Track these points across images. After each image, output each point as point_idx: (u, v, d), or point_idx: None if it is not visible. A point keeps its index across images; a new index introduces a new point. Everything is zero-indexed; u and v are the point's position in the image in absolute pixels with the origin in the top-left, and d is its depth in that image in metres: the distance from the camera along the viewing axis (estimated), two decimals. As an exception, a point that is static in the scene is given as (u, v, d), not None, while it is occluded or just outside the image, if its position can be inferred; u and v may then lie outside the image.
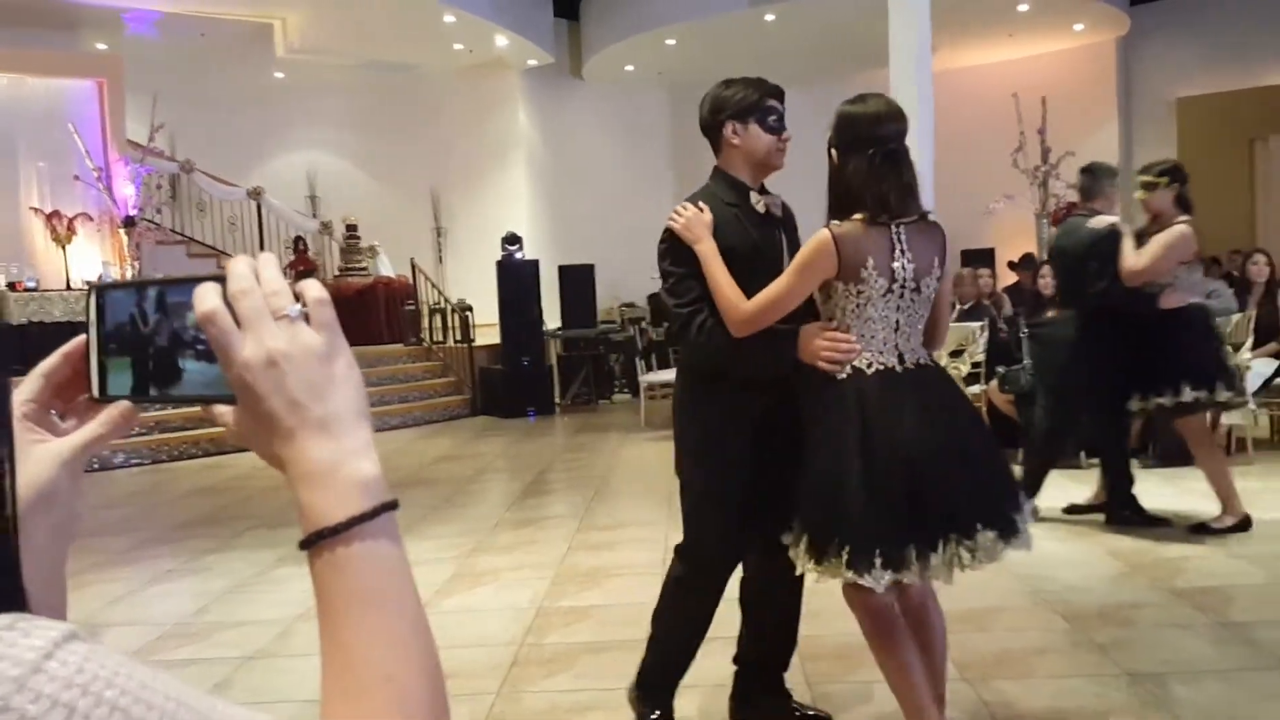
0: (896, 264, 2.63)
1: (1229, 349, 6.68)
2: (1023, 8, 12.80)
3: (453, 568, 5.23)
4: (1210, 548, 4.94)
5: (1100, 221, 5.22)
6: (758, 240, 2.80)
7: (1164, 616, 4.03)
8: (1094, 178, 5.45)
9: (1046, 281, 7.53)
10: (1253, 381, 6.87)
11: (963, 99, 13.86)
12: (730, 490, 2.83)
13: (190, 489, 8.06)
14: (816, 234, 2.66)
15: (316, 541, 0.64)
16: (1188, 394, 4.96)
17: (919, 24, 9.22)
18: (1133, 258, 5.01)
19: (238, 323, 0.65)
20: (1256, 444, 7.08)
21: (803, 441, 2.71)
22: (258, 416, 0.65)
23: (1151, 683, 3.36)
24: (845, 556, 2.53)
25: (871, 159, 2.64)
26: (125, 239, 11.87)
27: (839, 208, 2.70)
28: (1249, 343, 6.92)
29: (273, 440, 0.66)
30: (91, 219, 11.96)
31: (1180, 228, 5.06)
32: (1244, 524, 5.12)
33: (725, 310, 2.68)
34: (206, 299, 0.65)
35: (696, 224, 2.73)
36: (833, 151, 2.72)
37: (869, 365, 2.65)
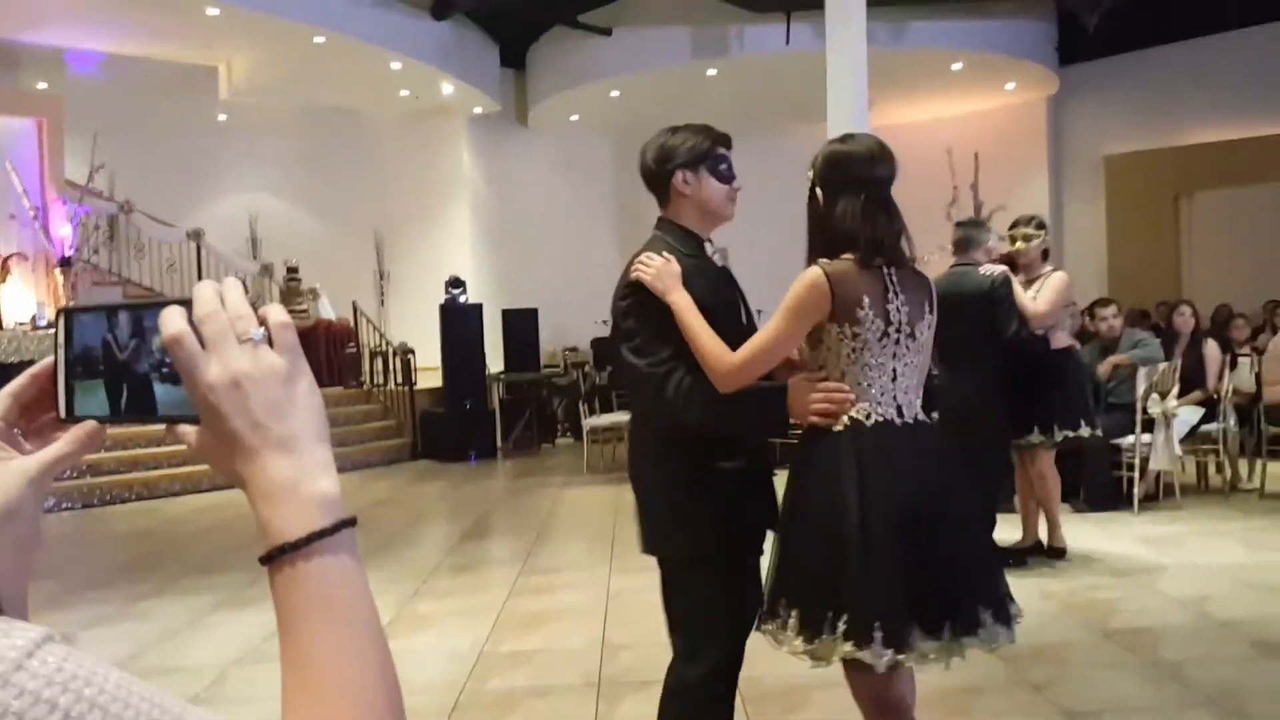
0: (891, 306, 2.43)
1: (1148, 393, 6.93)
2: (956, 66, 13.19)
3: (392, 612, 5.19)
4: (1140, 589, 5.06)
5: (992, 269, 5.46)
6: (723, 292, 2.63)
7: (1096, 656, 4.13)
8: (973, 230, 5.72)
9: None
10: (1179, 429, 7.09)
11: (899, 154, 13.97)
12: (734, 570, 2.57)
13: (123, 533, 7.90)
14: (806, 272, 2.46)
15: (277, 557, 0.66)
16: (1084, 429, 5.39)
17: (857, 81, 9.48)
18: (1031, 303, 5.35)
19: (203, 345, 0.67)
20: (1183, 489, 7.27)
21: (782, 509, 2.53)
22: (221, 436, 0.68)
23: (1084, 720, 3.44)
24: (843, 628, 2.26)
25: (865, 201, 2.48)
26: (61, 279, 11.67)
27: (824, 250, 2.51)
28: (1175, 391, 7.14)
29: (235, 459, 0.68)
30: (27, 259, 11.75)
31: (1063, 274, 5.62)
32: (1036, 549, 5.68)
33: (711, 363, 2.41)
34: (172, 322, 0.67)
35: (667, 275, 2.47)
36: (818, 191, 2.55)
37: (867, 416, 2.40)
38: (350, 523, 0.69)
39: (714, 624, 2.54)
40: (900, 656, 2.25)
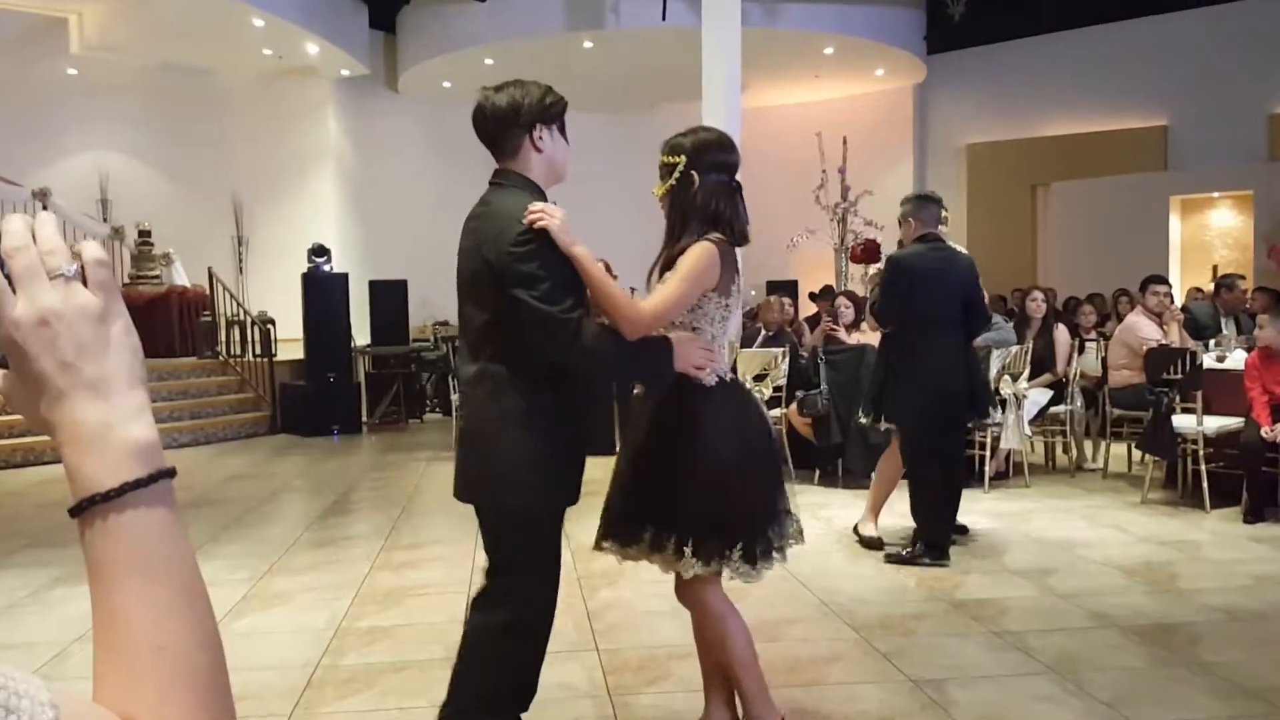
0: (738, 282, 2.86)
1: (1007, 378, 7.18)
2: (828, 50, 13.42)
3: (244, 589, 5.02)
4: (987, 563, 5.25)
5: (963, 250, 5.53)
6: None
7: (943, 626, 4.26)
8: (937, 205, 5.51)
9: (848, 312, 7.89)
10: (1029, 410, 7.38)
11: (770, 136, 14.37)
12: (560, 510, 2.74)
13: (-47, 507, 7.45)
14: (701, 245, 2.73)
15: (87, 508, 0.62)
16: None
17: (730, 62, 9.55)
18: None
19: (10, 282, 0.64)
20: (1032, 469, 7.58)
21: (653, 449, 2.81)
22: (27, 378, 0.64)
23: (931, 688, 3.55)
24: (739, 552, 2.73)
25: (727, 186, 2.85)
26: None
27: (694, 227, 2.80)
28: (1025, 373, 7.42)
29: (42, 403, 0.64)
30: None
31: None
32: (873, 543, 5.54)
33: (626, 311, 2.60)
34: None
35: (567, 226, 2.56)
36: (692, 173, 2.80)
37: (724, 375, 2.83)
38: (168, 473, 0.66)
39: (551, 567, 2.72)
40: (772, 563, 2.81)
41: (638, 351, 2.64)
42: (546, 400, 2.63)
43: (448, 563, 5.42)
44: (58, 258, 0.65)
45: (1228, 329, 8.21)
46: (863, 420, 5.76)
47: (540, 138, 2.66)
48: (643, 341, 2.64)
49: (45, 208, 12.44)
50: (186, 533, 0.65)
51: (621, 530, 2.86)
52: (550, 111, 2.67)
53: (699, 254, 2.72)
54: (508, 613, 2.70)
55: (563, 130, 2.72)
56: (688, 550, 2.71)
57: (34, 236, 0.65)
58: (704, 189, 2.80)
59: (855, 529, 5.69)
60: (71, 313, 0.64)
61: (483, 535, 2.75)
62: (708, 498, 2.75)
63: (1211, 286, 10.42)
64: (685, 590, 2.88)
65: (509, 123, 2.65)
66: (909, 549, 5.28)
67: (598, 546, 2.94)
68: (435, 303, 13.80)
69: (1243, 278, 8.98)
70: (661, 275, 2.84)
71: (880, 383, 5.43)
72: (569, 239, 2.54)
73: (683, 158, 2.82)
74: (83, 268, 0.66)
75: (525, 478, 2.61)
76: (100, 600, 0.62)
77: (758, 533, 2.78)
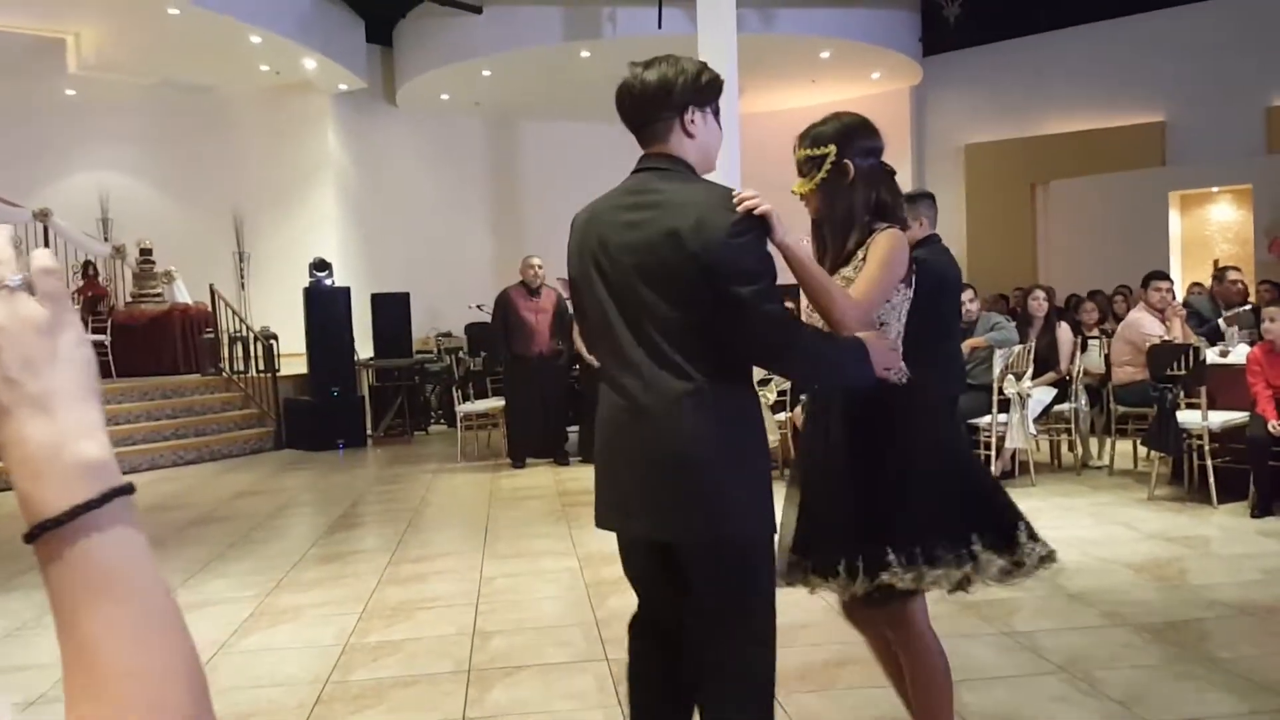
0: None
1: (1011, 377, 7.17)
2: (824, 55, 13.43)
3: (251, 606, 5.01)
4: (996, 564, 5.24)
5: None
6: None
7: (953, 627, 4.24)
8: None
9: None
10: (1033, 409, 7.37)
11: (767, 141, 14.32)
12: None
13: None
14: (891, 233, 2.55)
15: (40, 534, 0.59)
16: None
17: (727, 67, 9.55)
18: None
19: None
20: (1037, 467, 7.57)
21: (866, 462, 2.55)
22: None
23: (943, 691, 3.53)
24: (979, 548, 2.55)
25: (882, 168, 2.66)
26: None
27: (860, 219, 2.59)
28: (1029, 372, 7.41)
29: None
30: None
31: None
32: None
33: (845, 305, 2.36)
34: None
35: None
36: (846, 162, 2.56)
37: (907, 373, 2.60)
38: (124, 490, 0.62)
39: (774, 599, 2.37)
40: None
41: (853, 354, 2.34)
42: (756, 413, 2.37)
43: (456, 575, 5.41)
44: (2, 268, 0.62)
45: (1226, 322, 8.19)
46: None
47: (692, 121, 2.34)
48: (850, 342, 2.36)
49: (47, 228, 12.47)
50: (150, 551, 0.62)
51: (820, 560, 2.58)
52: (709, 91, 2.37)
53: (892, 242, 2.52)
54: (754, 666, 2.34)
55: (716, 114, 2.42)
56: (920, 559, 2.47)
57: None
58: (863, 177, 2.58)
59: None
60: (15, 326, 0.61)
61: (691, 577, 2.34)
62: (931, 499, 2.54)
63: (1211, 280, 10.41)
64: (893, 612, 2.64)
65: (657, 100, 2.33)
66: None
67: (788, 584, 2.62)
68: (438, 314, 13.83)
69: (1236, 269, 8.94)
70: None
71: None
72: (784, 227, 2.27)
73: (832, 147, 2.56)
74: (30, 278, 0.63)
75: (749, 501, 2.28)
76: (64, 628, 0.60)
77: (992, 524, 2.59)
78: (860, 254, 2.56)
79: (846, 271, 2.55)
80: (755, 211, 2.20)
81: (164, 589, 0.62)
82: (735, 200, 2.20)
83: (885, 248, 2.50)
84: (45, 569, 0.60)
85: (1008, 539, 2.59)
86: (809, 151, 2.59)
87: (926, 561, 2.48)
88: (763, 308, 2.19)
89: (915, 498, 2.53)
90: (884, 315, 2.55)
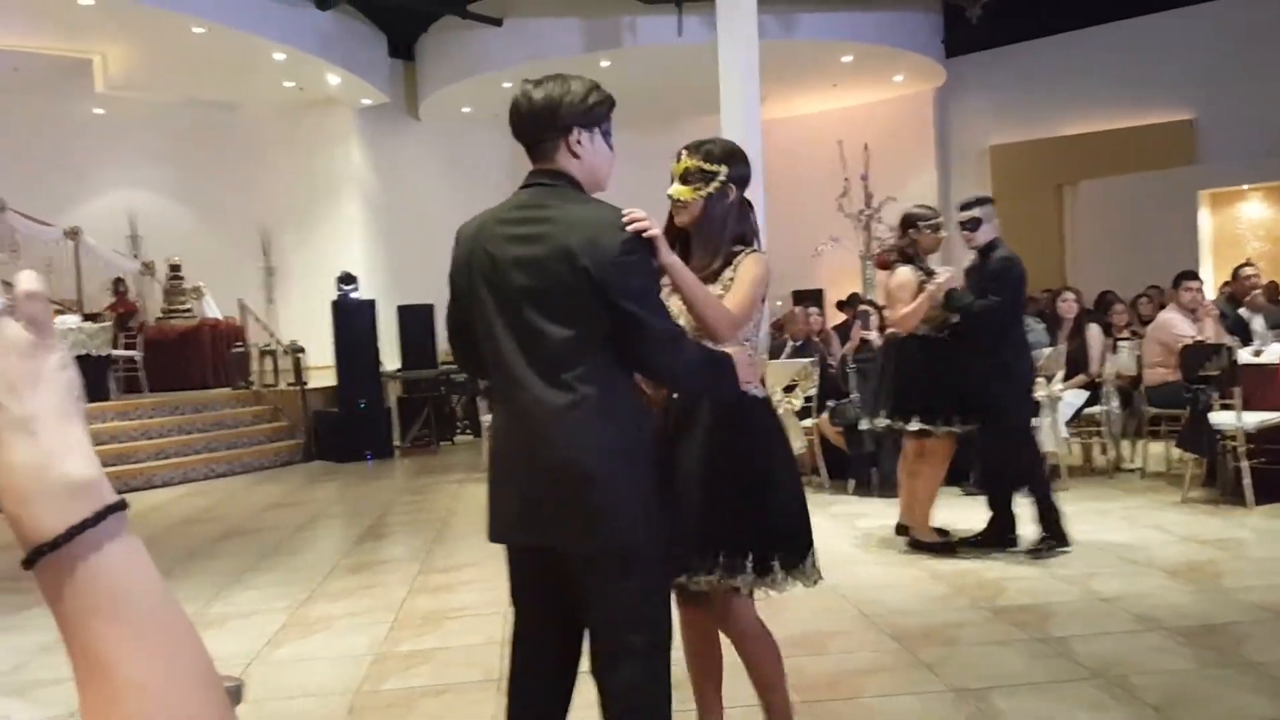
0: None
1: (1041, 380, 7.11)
2: (846, 59, 13.39)
3: (283, 617, 5.04)
4: (1028, 568, 5.19)
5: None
6: None
7: (985, 634, 4.21)
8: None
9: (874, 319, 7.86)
10: (1064, 412, 7.30)
11: (790, 146, 14.36)
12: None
13: (-4, 545, 7.54)
14: (756, 255, 2.77)
15: (37, 559, 0.59)
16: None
17: (748, 73, 9.55)
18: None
19: None
20: (1069, 471, 7.49)
21: (723, 469, 2.70)
22: None
23: (975, 697, 3.50)
24: (811, 560, 2.78)
25: (747, 201, 2.89)
26: (-75, 281, 11.08)
27: (728, 239, 2.79)
28: (1060, 375, 7.34)
29: None
30: (-111, 261, 11.14)
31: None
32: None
33: (722, 318, 2.56)
34: None
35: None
36: (731, 185, 2.79)
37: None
38: (117, 507, 0.62)
39: (668, 604, 2.43)
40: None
41: (721, 367, 2.43)
42: (644, 423, 2.42)
43: (484, 585, 5.42)
44: None
45: (1255, 322, 8.06)
46: (946, 429, 5.47)
47: (579, 142, 2.36)
48: (718, 355, 2.46)
49: (77, 247, 12.63)
50: (151, 562, 0.62)
51: (696, 560, 2.69)
52: (593, 113, 2.38)
53: (762, 265, 2.74)
54: (643, 669, 2.36)
55: (607, 136, 2.43)
56: (776, 565, 2.69)
57: None
58: (739, 202, 2.82)
59: (912, 543, 5.63)
60: None
61: (583, 585, 2.36)
62: (790, 508, 2.77)
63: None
64: (727, 609, 2.81)
65: (543, 120, 2.35)
66: (1039, 546, 5.38)
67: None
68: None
69: (1250, 264, 8.78)
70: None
71: (975, 382, 5.37)
72: (665, 248, 2.44)
73: (723, 167, 2.77)
74: (12, 302, 0.63)
75: (638, 512, 2.30)
76: (74, 649, 0.60)
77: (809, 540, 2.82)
78: (728, 273, 2.74)
79: (714, 289, 2.69)
80: (645, 233, 2.30)
81: (168, 598, 0.62)
82: (625, 220, 2.27)
83: (757, 270, 2.71)
84: (47, 592, 0.60)
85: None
86: (701, 164, 2.75)
87: (784, 569, 2.72)
88: (653, 323, 2.27)
89: (774, 506, 2.74)
90: (747, 332, 2.73)
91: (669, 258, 2.45)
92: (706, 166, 2.75)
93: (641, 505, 2.29)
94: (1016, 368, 5.50)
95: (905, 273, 5.45)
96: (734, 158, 2.80)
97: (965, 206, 5.58)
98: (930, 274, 5.40)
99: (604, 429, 2.27)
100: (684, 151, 2.81)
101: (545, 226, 2.29)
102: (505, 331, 2.32)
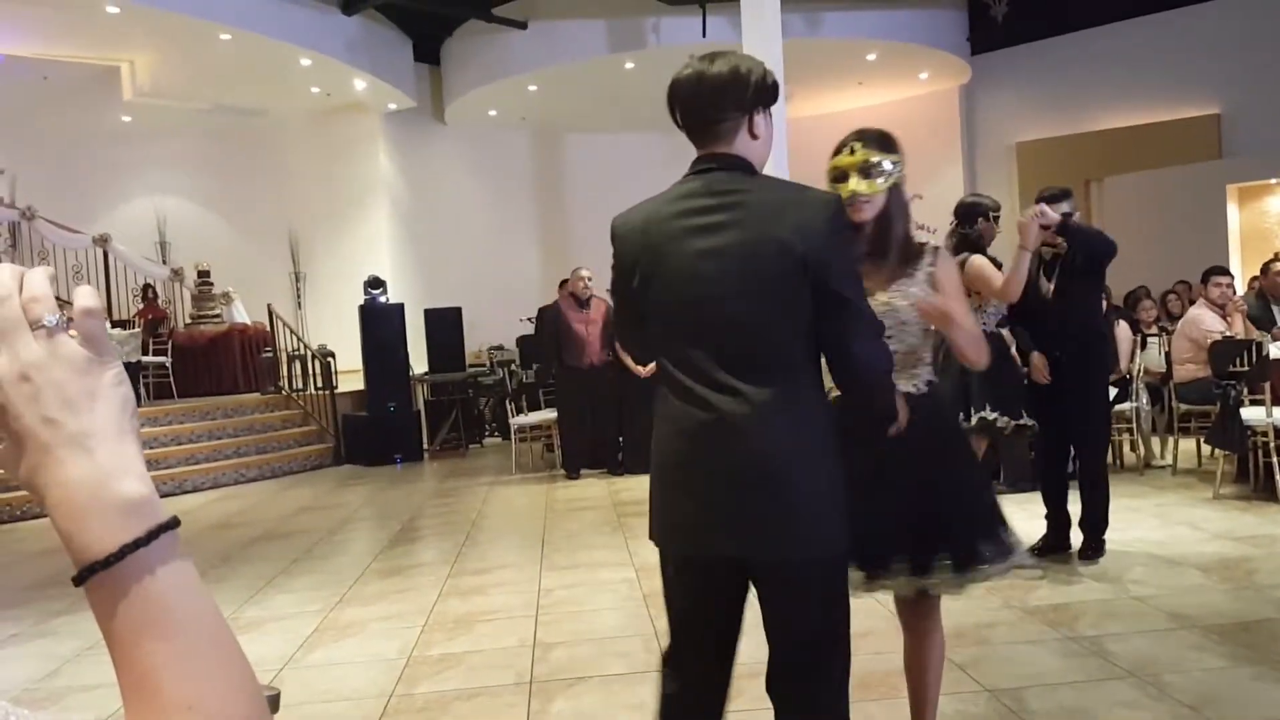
0: None
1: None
2: (870, 57, 13.35)
3: (316, 621, 5.09)
4: (1059, 568, 5.17)
5: None
6: None
7: (1018, 634, 4.20)
8: None
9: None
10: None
11: (816, 145, 14.16)
12: None
13: (34, 550, 7.64)
14: (947, 255, 2.75)
15: (88, 577, 0.60)
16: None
17: (773, 71, 9.52)
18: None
19: None
20: (1098, 468, 7.44)
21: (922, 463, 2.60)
22: (11, 436, 0.61)
23: (1009, 697, 3.50)
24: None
25: None
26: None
27: (905, 238, 2.71)
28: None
29: (27, 463, 0.61)
30: (-78, 269, 11.29)
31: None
32: None
33: (978, 338, 2.64)
34: None
35: None
36: (904, 176, 2.69)
37: None
38: (169, 525, 0.62)
39: (848, 621, 2.24)
40: None
41: (890, 372, 2.34)
42: (834, 422, 2.20)
43: (515, 587, 5.45)
44: (41, 307, 0.62)
45: None
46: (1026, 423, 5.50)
47: (761, 124, 2.20)
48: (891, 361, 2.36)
49: (107, 254, 12.78)
50: (200, 581, 0.63)
51: (883, 564, 2.58)
52: (771, 93, 2.21)
53: (956, 271, 2.71)
54: (836, 699, 2.24)
55: (772, 118, 2.27)
56: (981, 561, 2.59)
57: (21, 286, 0.62)
58: (904, 194, 2.68)
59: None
60: (55, 365, 0.61)
61: (777, 599, 2.20)
62: (980, 502, 2.69)
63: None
64: (925, 610, 2.76)
65: (728, 97, 2.15)
66: (1090, 551, 5.29)
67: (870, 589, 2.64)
68: (490, 327, 13.92)
69: (1278, 258, 8.68)
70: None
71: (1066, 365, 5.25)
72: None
73: (898, 156, 2.61)
74: (70, 318, 0.63)
75: (836, 519, 2.14)
76: (121, 666, 0.60)
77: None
78: (920, 271, 2.63)
79: (912, 287, 2.60)
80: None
81: (217, 617, 0.63)
82: (830, 198, 2.18)
83: (958, 276, 2.66)
84: (97, 609, 0.60)
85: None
86: (880, 155, 2.57)
87: (986, 563, 2.59)
88: (864, 308, 2.15)
89: (967, 502, 2.65)
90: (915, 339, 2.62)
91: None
92: (886, 157, 2.58)
93: (836, 507, 2.14)
94: (1105, 359, 5.47)
95: (979, 258, 5.09)
96: (898, 146, 2.67)
97: (1054, 199, 5.28)
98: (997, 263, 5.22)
99: (804, 429, 2.11)
100: (856, 144, 2.59)
101: (738, 213, 2.10)
102: (692, 323, 2.14)
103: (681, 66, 2.23)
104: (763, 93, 2.17)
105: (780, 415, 2.08)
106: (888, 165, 2.57)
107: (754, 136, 2.17)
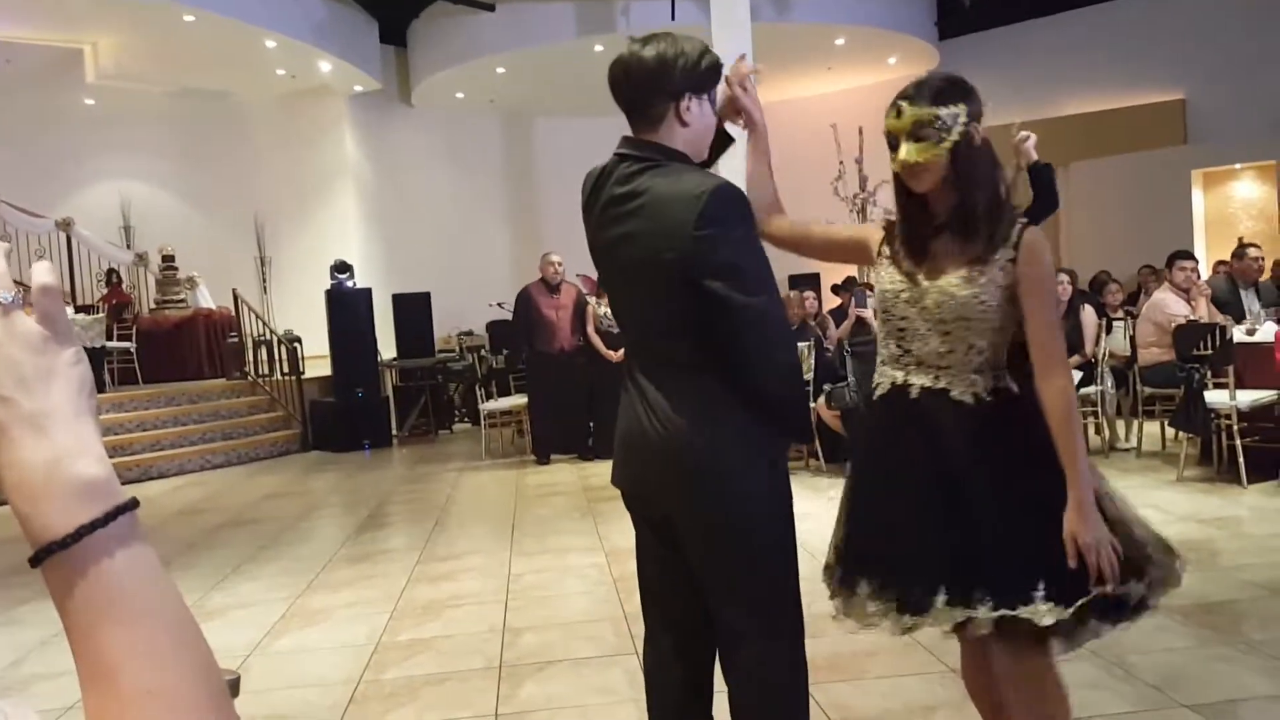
0: None
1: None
2: (839, 41, 13.37)
3: (284, 607, 5.05)
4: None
5: None
6: None
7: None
8: None
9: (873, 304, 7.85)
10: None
11: (784, 130, 14.27)
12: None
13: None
14: (1043, 240, 2.12)
15: (45, 558, 0.58)
16: None
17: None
18: None
19: None
20: (1064, 451, 7.51)
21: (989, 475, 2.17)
22: None
23: (975, 678, 3.52)
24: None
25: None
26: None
27: (990, 207, 2.13)
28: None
29: None
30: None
31: None
32: None
33: (1059, 354, 2.27)
34: None
35: None
36: (976, 125, 2.12)
37: None
38: (128, 507, 0.60)
39: (791, 582, 2.18)
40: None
41: (800, 378, 2.28)
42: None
43: (484, 572, 5.44)
44: None
45: (1247, 300, 8.06)
46: None
47: (688, 109, 2.12)
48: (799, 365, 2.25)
49: (70, 238, 12.59)
50: (160, 564, 0.61)
51: (922, 594, 2.12)
52: (706, 76, 2.14)
53: (1048, 256, 2.10)
54: (761, 658, 2.18)
55: (713, 101, 2.20)
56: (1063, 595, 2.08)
57: None
58: (989, 149, 2.13)
59: None
60: (10, 343, 0.60)
61: (691, 554, 2.19)
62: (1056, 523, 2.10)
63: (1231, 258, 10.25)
64: (1015, 662, 2.20)
65: (652, 84, 2.10)
66: None
67: (907, 630, 2.20)
68: (459, 312, 13.85)
69: (1256, 245, 8.81)
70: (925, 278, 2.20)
71: None
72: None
73: (962, 106, 2.08)
74: (26, 295, 0.61)
75: (757, 488, 2.15)
76: (80, 651, 0.59)
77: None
78: (1001, 256, 2.08)
79: (997, 274, 2.09)
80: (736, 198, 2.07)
81: (178, 600, 0.61)
82: (718, 185, 2.07)
83: (1049, 268, 2.10)
84: (54, 591, 0.59)
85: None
86: (932, 110, 2.07)
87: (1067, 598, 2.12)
88: (754, 306, 2.04)
89: (1052, 519, 2.12)
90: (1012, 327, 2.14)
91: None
92: (938, 110, 2.08)
93: (765, 481, 2.14)
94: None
95: None
96: (965, 90, 2.15)
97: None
98: None
99: (702, 389, 2.11)
100: (903, 103, 2.14)
101: (636, 204, 2.11)
102: (620, 310, 2.27)
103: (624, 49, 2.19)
104: (692, 78, 2.12)
105: (685, 419, 2.10)
106: (946, 118, 2.07)
107: (684, 124, 2.13)
